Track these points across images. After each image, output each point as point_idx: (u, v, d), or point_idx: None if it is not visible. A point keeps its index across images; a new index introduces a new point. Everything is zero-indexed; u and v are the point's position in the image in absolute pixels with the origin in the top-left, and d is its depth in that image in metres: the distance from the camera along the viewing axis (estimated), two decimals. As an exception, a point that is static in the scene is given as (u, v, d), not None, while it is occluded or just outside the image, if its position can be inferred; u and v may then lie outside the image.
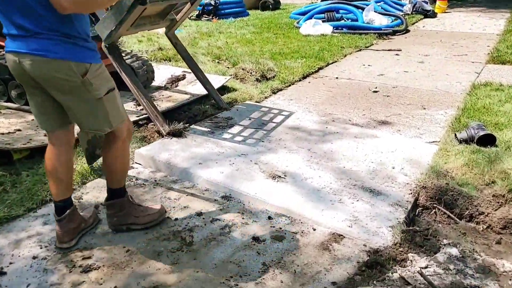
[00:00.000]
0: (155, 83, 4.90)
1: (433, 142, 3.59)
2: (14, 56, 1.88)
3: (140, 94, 3.61)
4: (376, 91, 5.01)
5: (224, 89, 4.79)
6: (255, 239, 2.31)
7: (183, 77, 4.95)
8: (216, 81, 4.73)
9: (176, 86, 4.77)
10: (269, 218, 2.51)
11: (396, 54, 6.88)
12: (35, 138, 3.23)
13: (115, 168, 2.28)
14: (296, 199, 2.66)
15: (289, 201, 2.64)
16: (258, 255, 2.19)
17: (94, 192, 2.79)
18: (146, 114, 3.86)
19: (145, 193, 2.79)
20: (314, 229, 2.40)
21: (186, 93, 4.54)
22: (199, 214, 2.56)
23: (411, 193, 2.77)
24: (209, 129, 3.68)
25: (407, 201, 2.69)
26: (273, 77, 5.30)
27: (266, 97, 4.77)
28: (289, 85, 5.23)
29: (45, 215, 2.53)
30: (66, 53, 1.88)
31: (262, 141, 3.49)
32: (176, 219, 2.50)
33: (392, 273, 1.97)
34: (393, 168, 3.10)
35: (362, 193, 2.76)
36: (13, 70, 1.94)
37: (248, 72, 5.17)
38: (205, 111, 4.13)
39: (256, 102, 4.56)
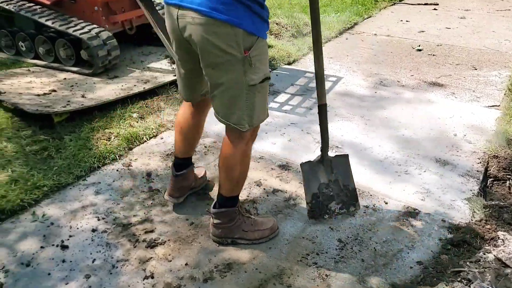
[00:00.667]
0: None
1: (493, 106, 3.36)
2: (174, 9, 1.57)
3: (172, 49, 3.35)
4: (420, 50, 4.70)
5: (259, 46, 4.50)
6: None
7: None
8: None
9: None
10: (335, 189, 2.35)
11: (434, 9, 6.45)
12: (73, 99, 3.03)
13: (233, 174, 1.83)
14: (359, 170, 2.49)
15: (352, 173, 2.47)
16: (332, 231, 2.05)
17: (142, 159, 2.62)
18: (183, 73, 3.63)
19: (197, 160, 2.62)
20: (386, 203, 2.25)
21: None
22: (259, 184, 2.40)
23: (480, 162, 2.59)
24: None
25: (477, 171, 2.51)
26: (309, 32, 4.96)
27: (304, 55, 4.49)
28: (326, 42, 4.91)
29: (95, 183, 2.38)
30: (237, 17, 1.48)
31: (311, 109, 3.27)
32: (236, 189, 2.36)
33: (484, 253, 1.83)
34: (455, 135, 2.90)
35: (428, 163, 2.58)
36: (170, 27, 1.66)
37: (283, 27, 4.84)
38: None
39: (295, 61, 4.29)
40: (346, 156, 2.16)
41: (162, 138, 2.86)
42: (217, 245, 1.97)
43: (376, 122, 3.09)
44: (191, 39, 1.57)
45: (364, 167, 2.54)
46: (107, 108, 3.09)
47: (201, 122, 2.08)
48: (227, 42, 1.51)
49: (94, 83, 3.41)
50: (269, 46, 4.54)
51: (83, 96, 3.09)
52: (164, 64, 3.91)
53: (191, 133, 2.06)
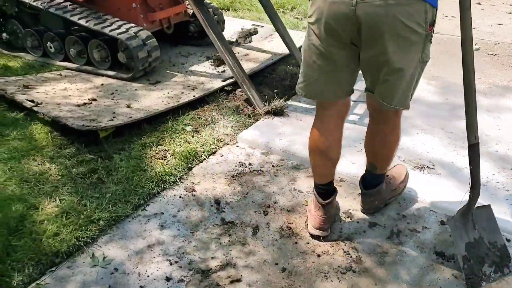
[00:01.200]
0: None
1: None
2: None
3: (226, 53, 2.99)
4: (478, 49, 4.32)
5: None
6: (440, 254, 1.81)
7: (255, 32, 4.26)
8: (296, 38, 4.05)
9: (249, 42, 4.11)
10: (442, 223, 2.00)
11: (478, 3, 6.04)
12: (118, 110, 2.67)
13: (391, 151, 1.86)
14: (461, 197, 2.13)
15: (459, 202, 2.10)
16: (456, 279, 1.70)
17: (206, 181, 2.26)
18: (232, 78, 3.27)
19: (269, 183, 2.27)
20: (508, 240, 1.89)
21: (265, 51, 3.89)
22: (349, 216, 2.05)
23: None
24: (310, 105, 3.07)
25: None
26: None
27: (353, 56, 4.11)
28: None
29: (157, 214, 2.03)
30: None
31: (383, 115, 2.90)
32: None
33: None
34: (555, 150, 2.53)
35: (539, 187, 2.22)
36: (336, 14, 1.43)
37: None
38: (295, 74, 3.51)
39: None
40: (488, 208, 1.78)
41: (222, 156, 2.51)
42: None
43: (460, 135, 2.71)
44: (373, 25, 1.41)
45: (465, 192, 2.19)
46: (155, 119, 2.73)
47: (342, 131, 1.84)
48: (417, 21, 1.41)
49: (135, 89, 3.05)
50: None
51: (128, 106, 2.74)
52: (207, 67, 3.54)
53: (335, 149, 1.82)
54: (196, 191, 2.20)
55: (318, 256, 1.81)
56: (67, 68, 3.44)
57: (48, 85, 3.02)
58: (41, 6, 3.46)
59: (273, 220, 2.01)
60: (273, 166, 2.43)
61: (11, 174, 2.17)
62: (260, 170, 2.38)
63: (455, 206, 1.85)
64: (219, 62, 3.57)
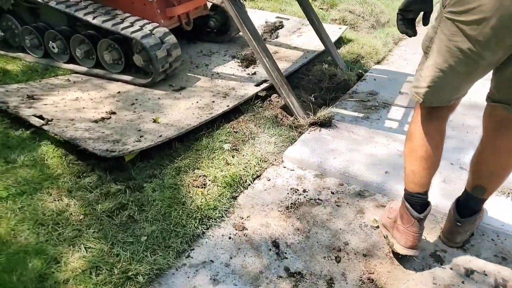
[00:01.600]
0: (245, 32, 3.81)
1: None
2: None
3: (263, 54, 2.58)
4: None
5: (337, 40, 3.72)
6: None
7: (281, 25, 3.84)
8: (329, 32, 3.64)
9: (276, 37, 3.69)
10: (557, 269, 1.65)
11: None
12: (144, 126, 2.26)
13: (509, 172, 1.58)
14: None
15: None
16: None
17: (257, 215, 1.88)
18: (266, 81, 2.87)
19: (332, 216, 1.90)
20: None
21: (295, 48, 3.48)
22: (437, 258, 1.69)
23: None
24: (358, 112, 2.69)
25: None
26: (388, 21, 4.18)
27: (390, 50, 3.72)
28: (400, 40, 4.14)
29: (206, 263, 1.65)
30: None
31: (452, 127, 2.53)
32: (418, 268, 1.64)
33: None
34: None
35: None
36: None
37: (359, 16, 4.05)
38: (333, 75, 3.11)
39: (384, 58, 3.52)
40: None
41: (269, 180, 2.13)
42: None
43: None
44: None
45: None
46: (187, 136, 2.34)
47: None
48: None
49: (158, 98, 2.64)
50: (350, 40, 3.76)
51: (154, 121, 2.33)
52: (235, 68, 3.13)
53: (438, 153, 1.57)
54: (247, 229, 1.83)
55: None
56: (75, 72, 3.01)
57: (56, 94, 2.60)
58: (40, 0, 3.01)
59: (349, 269, 1.65)
60: (332, 193, 2.05)
61: (23, 215, 1.77)
62: (318, 199, 2.01)
63: None
64: (248, 62, 3.16)
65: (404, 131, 2.51)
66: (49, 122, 2.18)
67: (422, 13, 1.39)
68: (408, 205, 1.61)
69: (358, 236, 1.80)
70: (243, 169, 2.13)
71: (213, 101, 2.60)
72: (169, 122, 2.32)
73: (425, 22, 1.43)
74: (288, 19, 3.96)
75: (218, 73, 3.02)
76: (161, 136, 2.14)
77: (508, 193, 2.02)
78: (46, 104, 2.43)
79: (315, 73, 3.16)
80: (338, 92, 2.99)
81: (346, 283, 1.59)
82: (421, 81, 1.42)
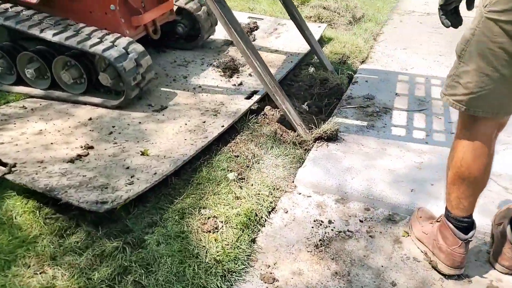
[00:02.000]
0: (218, 35, 3.48)
1: None
2: None
3: (254, 58, 2.28)
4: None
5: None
6: None
7: (256, 27, 3.55)
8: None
9: (253, 40, 3.40)
10: None
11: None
12: (131, 162, 1.90)
13: None
14: None
15: None
16: None
17: (286, 262, 1.60)
18: (256, 93, 2.59)
19: (369, 251, 1.67)
20: None
21: (277, 51, 3.21)
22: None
23: None
24: (361, 121, 2.48)
25: None
26: (363, 16, 4.02)
27: (371, 47, 3.56)
28: (382, 26, 4.01)
29: (240, 332, 1.37)
30: None
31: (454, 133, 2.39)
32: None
33: None
34: None
35: None
36: None
37: (335, 12, 3.84)
38: (324, 80, 2.88)
39: (368, 57, 3.35)
40: None
41: (286, 212, 1.86)
42: None
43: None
44: None
45: None
46: (183, 167, 2.00)
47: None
48: None
49: (139, 122, 2.27)
50: (330, 39, 3.55)
51: (143, 154, 1.97)
52: (217, 78, 2.80)
53: (487, 176, 1.43)
54: (278, 280, 1.55)
55: None
56: (31, 96, 2.55)
57: (13, 127, 2.16)
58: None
59: (407, 318, 1.43)
60: (361, 221, 1.82)
61: (-2, 301, 1.38)
62: (348, 231, 1.77)
63: None
64: (231, 71, 2.85)
65: (413, 138, 2.34)
66: (13, 169, 1.75)
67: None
68: (454, 229, 1.51)
69: (403, 273, 1.59)
70: (256, 202, 1.85)
71: (204, 121, 2.28)
72: (160, 153, 1.97)
73: (470, 6, 1.30)
74: (262, 18, 3.68)
75: (200, 86, 2.69)
76: (156, 173, 1.80)
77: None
78: (2, 143, 1.99)
79: (304, 79, 2.92)
80: (332, 98, 2.77)
81: (409, 337, 1.37)
82: (461, 88, 1.31)
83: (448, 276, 1.56)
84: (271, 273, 1.57)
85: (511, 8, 1.11)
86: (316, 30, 3.42)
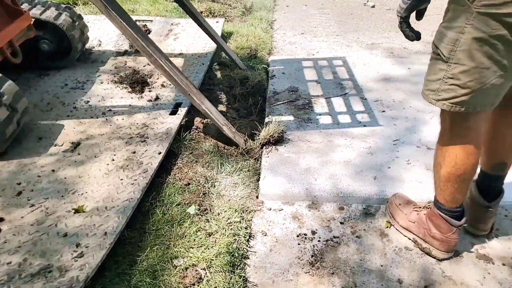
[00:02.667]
0: (106, 46, 3.02)
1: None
2: None
3: (169, 66, 1.99)
4: (373, 6, 4.23)
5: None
6: None
7: (148, 30, 3.16)
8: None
9: None
10: None
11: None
12: (67, 227, 1.46)
13: None
14: None
15: None
16: None
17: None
18: (179, 105, 2.30)
19: (362, 253, 1.58)
20: None
21: (181, 55, 2.90)
22: (481, 257, 1.57)
23: None
24: (295, 117, 2.37)
25: None
26: (251, 5, 3.91)
27: (271, 36, 3.49)
28: (269, 11, 3.98)
29: None
30: None
31: (384, 111, 2.46)
32: None
33: None
34: None
35: None
36: None
37: (226, 5, 3.65)
38: (245, 79, 2.71)
39: (273, 48, 3.27)
40: None
41: (265, 235, 1.66)
42: None
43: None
44: None
45: None
46: (131, 215, 1.64)
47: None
48: None
49: (53, 170, 1.79)
50: (230, 33, 3.37)
51: (77, 211, 1.55)
52: (127, 96, 2.39)
53: (475, 168, 1.43)
54: (289, 313, 1.37)
55: None
56: None
57: None
58: None
59: (429, 314, 1.39)
60: (341, 223, 1.73)
61: None
62: (334, 237, 1.66)
63: None
64: (140, 85, 2.47)
65: (351, 123, 2.32)
66: None
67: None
68: (448, 218, 1.52)
69: (403, 266, 1.54)
70: (231, 233, 1.62)
71: (134, 152, 1.92)
72: (98, 205, 1.58)
73: (421, 17, 1.37)
74: (151, 20, 3.30)
75: (110, 110, 2.27)
76: (106, 233, 1.43)
77: None
78: None
79: (222, 81, 2.70)
80: (256, 96, 2.62)
81: (438, 334, 1.33)
82: (460, 89, 1.26)
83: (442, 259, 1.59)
84: (280, 312, 1.38)
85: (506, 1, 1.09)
86: (215, 26, 3.21)
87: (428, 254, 1.59)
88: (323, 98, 2.57)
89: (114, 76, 2.61)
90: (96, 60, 2.83)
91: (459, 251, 1.60)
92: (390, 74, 2.85)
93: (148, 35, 3.11)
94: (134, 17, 3.37)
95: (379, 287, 1.47)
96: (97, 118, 2.20)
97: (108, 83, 2.53)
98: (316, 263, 1.55)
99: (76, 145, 1.98)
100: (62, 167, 1.83)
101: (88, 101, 2.35)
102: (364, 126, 2.31)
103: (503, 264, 1.55)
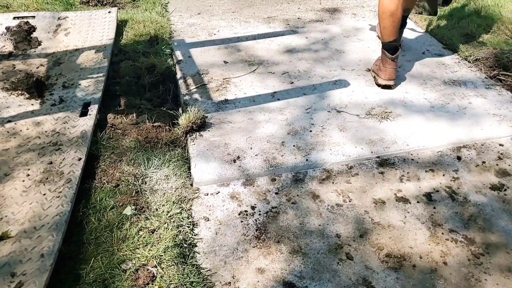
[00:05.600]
0: (-16, 50, 2.66)
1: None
2: None
3: None
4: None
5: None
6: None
7: (32, 27, 2.83)
8: (101, 19, 2.97)
9: (38, 44, 2.72)
10: (462, 158, 2.01)
11: None
12: None
13: None
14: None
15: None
16: None
17: (239, 269, 1.48)
18: (90, 103, 2.16)
19: (300, 217, 1.69)
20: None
21: (78, 50, 2.67)
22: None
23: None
24: (211, 99, 2.38)
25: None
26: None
27: (168, 19, 3.39)
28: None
29: None
30: None
31: (292, 82, 2.59)
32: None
33: None
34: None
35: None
36: None
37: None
38: (152, 67, 2.61)
39: (172, 31, 3.19)
40: None
41: (208, 219, 1.69)
42: None
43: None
44: None
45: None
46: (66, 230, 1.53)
47: None
48: None
49: None
50: (125, 21, 3.20)
51: (1, 238, 1.40)
52: (26, 104, 2.16)
53: (400, 11, 2.27)
54: (248, 290, 1.43)
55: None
56: None
57: None
58: None
59: (368, 259, 1.56)
60: (276, 193, 1.82)
61: None
62: (273, 208, 1.75)
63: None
64: (38, 89, 2.25)
65: (265, 99, 2.41)
66: None
67: None
68: (386, 52, 2.35)
69: (338, 222, 1.70)
70: (174, 226, 1.61)
71: (51, 162, 1.77)
72: (25, 227, 1.45)
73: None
74: (33, 16, 2.97)
75: (10, 121, 2.04)
76: (43, 255, 1.33)
77: (384, 115, 2.29)
78: None
79: (127, 71, 2.58)
80: (167, 84, 2.56)
81: (377, 273, 1.51)
82: None
83: (383, 87, 2.45)
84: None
85: None
86: (109, 16, 3.02)
87: (376, 83, 2.48)
88: (234, 78, 2.61)
89: (4, 83, 2.34)
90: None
91: (382, 199, 1.81)
92: (291, 45, 2.99)
93: (34, 32, 2.82)
94: (11, 14, 3.02)
95: (321, 245, 1.61)
96: (-5, 132, 1.97)
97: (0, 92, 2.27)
98: (261, 236, 1.64)
99: (-23, 167, 1.77)
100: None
101: (-22, 117, 2.09)
102: (278, 99, 2.41)
103: (417, 202, 1.79)
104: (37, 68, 2.49)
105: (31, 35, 2.79)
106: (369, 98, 2.41)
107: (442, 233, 1.66)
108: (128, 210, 1.65)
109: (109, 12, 3.09)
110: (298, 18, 3.45)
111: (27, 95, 2.24)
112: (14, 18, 2.96)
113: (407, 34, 3.07)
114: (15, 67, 2.50)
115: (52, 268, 1.31)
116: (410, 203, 1.79)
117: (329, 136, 2.12)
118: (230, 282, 1.46)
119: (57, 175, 1.71)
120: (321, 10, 3.60)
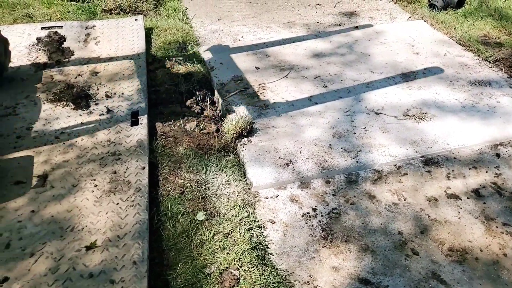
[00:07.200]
0: (17, 60, 2.67)
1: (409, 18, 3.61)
2: None
3: None
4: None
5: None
6: None
7: (62, 38, 2.85)
8: (129, 27, 3.00)
9: (72, 54, 2.74)
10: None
11: None
12: (87, 267, 1.34)
13: None
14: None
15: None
16: None
17: (314, 268, 1.55)
18: (138, 113, 2.20)
19: (361, 217, 1.77)
20: None
21: (112, 59, 2.70)
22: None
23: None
24: (252, 105, 2.44)
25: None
26: (162, -6, 3.76)
27: (191, 27, 3.43)
28: (180, 1, 3.88)
29: None
30: None
31: (326, 86, 2.66)
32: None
33: None
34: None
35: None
36: None
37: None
38: (189, 75, 2.66)
39: (198, 38, 3.24)
40: None
41: (274, 222, 1.75)
42: None
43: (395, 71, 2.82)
44: None
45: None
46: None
47: None
48: None
49: (32, 211, 1.60)
50: (151, 29, 3.23)
51: (89, 248, 1.43)
52: (74, 115, 2.19)
53: None
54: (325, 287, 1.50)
55: None
56: None
57: None
58: None
59: (431, 252, 1.64)
60: (333, 195, 1.90)
61: None
62: (333, 209, 1.82)
63: None
64: (83, 100, 2.27)
65: (303, 103, 2.48)
66: None
67: None
68: None
69: (398, 220, 1.78)
70: (246, 229, 1.67)
71: (115, 172, 1.81)
72: (109, 235, 1.48)
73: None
74: (61, 26, 2.98)
75: (63, 133, 2.06)
76: (135, 262, 1.36)
77: (420, 116, 2.39)
78: None
79: (164, 79, 2.62)
80: (203, 90, 2.61)
81: (443, 267, 1.59)
82: None
83: None
84: (316, 287, 1.51)
85: None
86: (136, 24, 3.05)
87: None
88: (269, 83, 2.67)
89: (47, 94, 2.35)
90: (14, 79, 2.50)
91: (434, 197, 1.89)
92: (317, 49, 3.07)
93: (64, 42, 2.84)
94: (39, 24, 3.03)
95: (387, 242, 1.68)
96: (52, 144, 2.00)
97: (44, 103, 2.28)
98: (329, 236, 1.71)
99: (44, 178, 1.79)
100: (41, 205, 1.65)
101: (30, 127, 2.10)
102: (316, 103, 2.49)
103: (467, 198, 1.89)
104: (75, 78, 2.51)
105: (63, 45, 2.81)
106: (403, 100, 2.51)
107: (497, 227, 1.76)
108: (200, 216, 1.70)
109: (136, 20, 3.12)
110: (318, 23, 3.54)
111: (73, 106, 2.26)
112: (42, 28, 2.97)
113: (426, 37, 3.19)
114: (53, 78, 2.52)
115: (148, 274, 1.36)
116: (460, 199, 1.89)
117: (373, 137, 2.21)
118: (308, 281, 1.53)
119: (125, 184, 1.75)
120: (338, 14, 3.69)
